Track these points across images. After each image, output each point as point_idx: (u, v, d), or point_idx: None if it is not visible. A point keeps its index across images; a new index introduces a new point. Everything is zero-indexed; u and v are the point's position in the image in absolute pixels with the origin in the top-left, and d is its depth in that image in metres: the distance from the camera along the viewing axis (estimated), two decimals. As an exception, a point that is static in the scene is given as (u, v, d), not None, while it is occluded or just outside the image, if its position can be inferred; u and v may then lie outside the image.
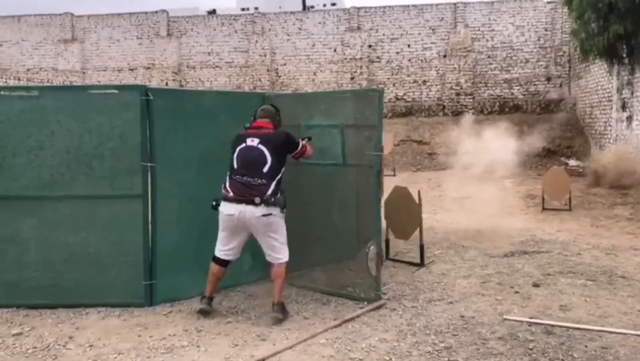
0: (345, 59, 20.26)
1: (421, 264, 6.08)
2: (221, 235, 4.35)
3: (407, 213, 6.20)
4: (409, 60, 20.07)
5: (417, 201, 6.15)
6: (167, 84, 21.14)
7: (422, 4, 20.11)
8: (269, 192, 4.15)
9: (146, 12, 21.80)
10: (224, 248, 4.38)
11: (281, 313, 4.35)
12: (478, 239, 7.30)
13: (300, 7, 24.85)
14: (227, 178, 4.26)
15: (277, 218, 4.24)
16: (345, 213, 5.24)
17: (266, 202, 4.12)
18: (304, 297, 5.01)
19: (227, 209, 4.18)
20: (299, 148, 4.50)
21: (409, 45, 20.11)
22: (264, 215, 4.13)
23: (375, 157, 4.81)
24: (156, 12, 21.60)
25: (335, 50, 20.52)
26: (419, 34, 20.06)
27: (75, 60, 21.90)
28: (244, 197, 4.11)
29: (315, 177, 5.25)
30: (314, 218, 5.25)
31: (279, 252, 4.35)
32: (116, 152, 4.76)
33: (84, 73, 21.87)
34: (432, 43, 20.01)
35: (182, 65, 21.44)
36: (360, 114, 5.03)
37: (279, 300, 4.39)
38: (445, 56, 19.86)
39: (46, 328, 4.31)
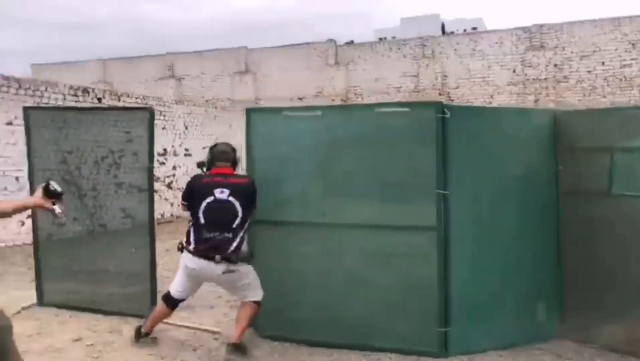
0: (527, 80, 18.65)
1: None
2: (179, 277, 4.09)
3: None
4: (604, 79, 17.86)
5: None
6: (335, 111, 21.18)
7: (617, 17, 17.87)
8: (232, 248, 3.84)
9: (315, 43, 22.24)
10: (180, 289, 4.11)
11: (240, 353, 3.85)
12: None
13: (439, 34, 23.50)
14: (192, 229, 3.94)
15: (241, 272, 3.94)
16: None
17: (227, 259, 3.83)
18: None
19: (189, 262, 3.93)
20: None
21: (603, 63, 17.93)
22: (224, 273, 3.86)
23: None
24: (325, 42, 21.93)
25: (514, 71, 19.01)
26: (616, 49, 17.81)
27: (249, 90, 22.95)
28: (207, 253, 3.85)
29: (632, 213, 4.15)
30: (622, 262, 4.15)
31: (248, 293, 4.03)
32: (406, 176, 4.12)
33: (256, 103, 22.81)
34: (632, 59, 17.63)
35: (350, 93, 21.39)
36: None
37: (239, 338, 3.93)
38: (649, 73, 17.36)
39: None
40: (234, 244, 3.85)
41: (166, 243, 9.48)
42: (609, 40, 17.87)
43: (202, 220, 3.86)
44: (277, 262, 4.40)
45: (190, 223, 3.95)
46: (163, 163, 12.44)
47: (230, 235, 3.84)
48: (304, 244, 4.32)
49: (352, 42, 23.09)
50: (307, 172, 4.32)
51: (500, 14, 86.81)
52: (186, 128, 13.00)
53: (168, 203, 12.66)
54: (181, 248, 3.99)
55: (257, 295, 4.01)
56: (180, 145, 12.94)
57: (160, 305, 4.18)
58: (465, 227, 4.11)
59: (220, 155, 4.07)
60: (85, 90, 9.88)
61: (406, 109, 4.12)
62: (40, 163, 5.37)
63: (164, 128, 12.23)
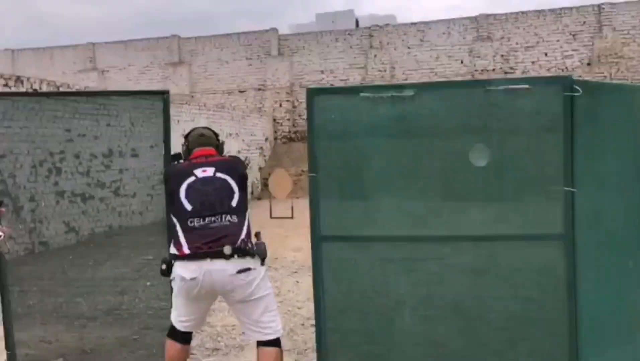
0: (476, 70, 18.63)
1: None
2: (178, 301, 2.93)
3: None
4: (548, 70, 18.20)
5: None
6: (281, 105, 20.10)
7: (559, 7, 18.28)
8: (242, 234, 2.78)
9: (255, 32, 20.98)
10: (183, 317, 2.94)
11: None
12: None
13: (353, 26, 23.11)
14: (178, 230, 2.81)
15: (259, 274, 2.83)
16: None
17: (240, 251, 2.73)
18: None
19: (185, 272, 2.75)
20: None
21: (546, 54, 18.27)
22: (240, 272, 2.73)
23: None
24: (266, 30, 20.74)
25: (462, 62, 18.93)
26: (557, 40, 18.21)
27: (184, 83, 21.28)
28: (208, 248, 2.72)
29: None
30: None
31: (269, 322, 2.89)
32: (524, 172, 3.29)
33: (192, 97, 21.17)
34: (573, 50, 18.10)
35: (295, 86, 20.38)
36: None
37: None
38: (589, 64, 17.88)
39: None
40: (244, 228, 2.81)
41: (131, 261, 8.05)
42: (551, 31, 18.23)
43: (187, 206, 2.79)
44: (353, 289, 3.42)
45: (176, 226, 2.83)
46: (108, 166, 10.80)
47: (234, 218, 2.79)
48: (390, 264, 3.37)
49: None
50: (393, 170, 3.35)
51: (412, 8, 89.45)
52: (132, 124, 11.39)
53: (116, 212, 11.05)
54: (168, 265, 2.83)
55: (277, 327, 2.93)
56: (126, 145, 11.32)
57: (168, 345, 2.98)
58: (591, 231, 3.34)
59: (199, 138, 3.13)
60: (19, 79, 8.19)
61: (525, 86, 3.27)
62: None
63: (108, 125, 10.60)
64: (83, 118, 9.62)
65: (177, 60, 21.59)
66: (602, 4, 17.79)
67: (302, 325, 4.59)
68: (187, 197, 2.83)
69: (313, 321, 3.37)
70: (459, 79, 18.92)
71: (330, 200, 3.31)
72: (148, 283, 4.20)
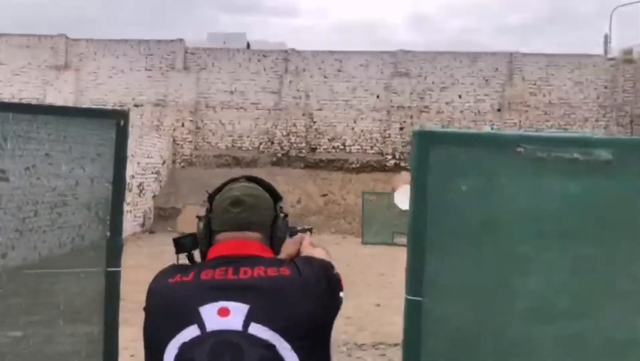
0: (392, 106, 18.14)
1: None
2: None
3: None
4: (461, 112, 18.23)
5: None
6: (183, 124, 18.08)
7: (474, 51, 18.49)
8: None
9: (159, 41, 18.87)
10: None
11: None
12: None
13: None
14: None
15: None
16: None
17: None
18: None
19: None
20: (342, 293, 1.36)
21: (460, 96, 18.31)
22: None
23: None
24: (172, 40, 18.72)
25: (378, 97, 18.37)
26: (472, 84, 18.34)
27: (69, 91, 18.44)
28: None
29: None
30: None
31: None
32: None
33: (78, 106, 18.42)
34: (485, 95, 18.32)
35: (200, 104, 18.51)
36: None
37: None
38: (499, 110, 18.18)
39: None
40: None
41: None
42: (466, 74, 18.35)
43: None
44: None
45: None
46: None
47: None
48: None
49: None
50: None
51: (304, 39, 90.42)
52: (5, 140, 8.97)
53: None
54: None
55: None
56: (-10, 164, 8.86)
57: None
58: None
59: (228, 211, 1.31)
60: None
61: None
62: None
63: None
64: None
65: (63, 64, 18.72)
66: (514, 52, 18.28)
67: None
68: None
69: None
70: (375, 114, 18.35)
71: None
72: None
